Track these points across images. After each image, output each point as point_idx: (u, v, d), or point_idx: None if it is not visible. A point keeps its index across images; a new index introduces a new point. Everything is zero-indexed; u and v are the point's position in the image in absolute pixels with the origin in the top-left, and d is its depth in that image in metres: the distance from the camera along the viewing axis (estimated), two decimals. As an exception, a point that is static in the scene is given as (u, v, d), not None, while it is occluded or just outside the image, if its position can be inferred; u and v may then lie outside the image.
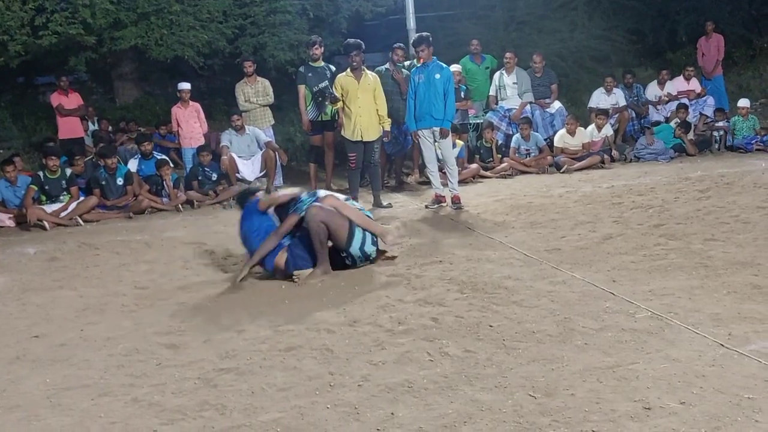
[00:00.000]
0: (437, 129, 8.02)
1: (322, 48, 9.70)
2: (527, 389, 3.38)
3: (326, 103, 8.62)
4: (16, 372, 4.20)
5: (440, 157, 8.31)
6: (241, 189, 6.26)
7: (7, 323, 5.17)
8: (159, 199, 9.18)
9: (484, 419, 3.12)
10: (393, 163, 10.02)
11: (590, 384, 3.38)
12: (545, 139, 10.65)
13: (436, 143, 8.13)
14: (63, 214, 8.63)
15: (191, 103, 10.29)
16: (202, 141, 10.00)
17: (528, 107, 10.96)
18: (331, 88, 9.41)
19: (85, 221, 8.60)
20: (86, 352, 4.42)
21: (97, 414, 3.55)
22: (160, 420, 3.43)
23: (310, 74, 9.46)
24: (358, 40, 8.26)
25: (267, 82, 10.44)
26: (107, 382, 3.95)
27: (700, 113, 11.70)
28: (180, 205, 9.05)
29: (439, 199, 8.15)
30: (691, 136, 10.93)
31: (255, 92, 10.24)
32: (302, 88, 9.44)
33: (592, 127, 10.70)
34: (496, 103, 11.00)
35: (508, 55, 10.95)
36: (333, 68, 9.68)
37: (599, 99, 11.67)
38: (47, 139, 10.46)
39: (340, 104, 8.19)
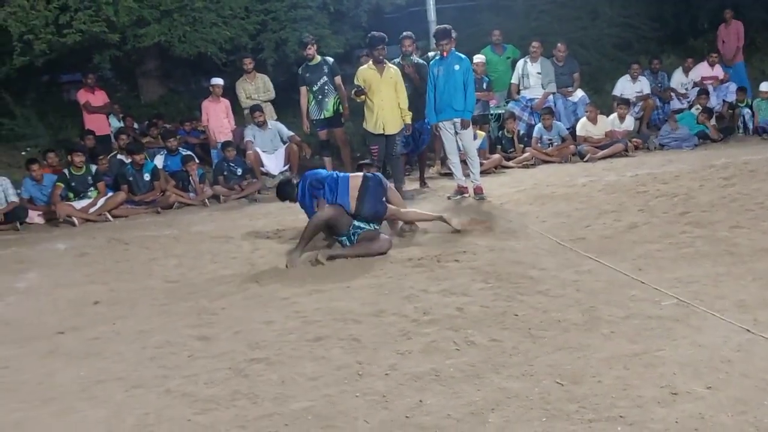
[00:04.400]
0: (458, 120, 8.04)
1: (315, 46, 9.80)
2: (554, 377, 3.41)
3: (352, 97, 8.64)
4: (50, 365, 4.30)
5: (461, 148, 8.33)
6: (280, 180, 6.77)
7: (39, 318, 5.28)
8: (186, 195, 9.29)
9: (511, 406, 3.17)
10: (413, 164, 10.02)
11: (617, 371, 3.41)
12: (568, 128, 10.62)
13: (457, 135, 8.15)
14: (92, 210, 8.76)
15: (222, 99, 10.39)
16: (230, 136, 10.11)
17: (550, 96, 10.94)
18: (330, 81, 9.50)
19: (113, 217, 8.74)
20: (119, 346, 4.51)
21: (132, 405, 3.64)
22: (194, 410, 3.51)
23: (308, 74, 9.64)
24: (383, 34, 8.26)
25: (266, 78, 10.56)
26: (140, 374, 4.03)
27: (723, 100, 11.60)
28: (206, 200, 9.17)
29: (461, 191, 8.17)
30: (713, 122, 10.86)
31: (255, 89, 10.36)
32: (303, 90, 9.63)
33: (614, 115, 10.65)
34: (518, 93, 10.99)
35: (534, 44, 10.93)
36: (330, 60, 9.79)
37: (624, 86, 11.61)
38: (86, 132, 10.60)
39: (363, 97, 8.21)
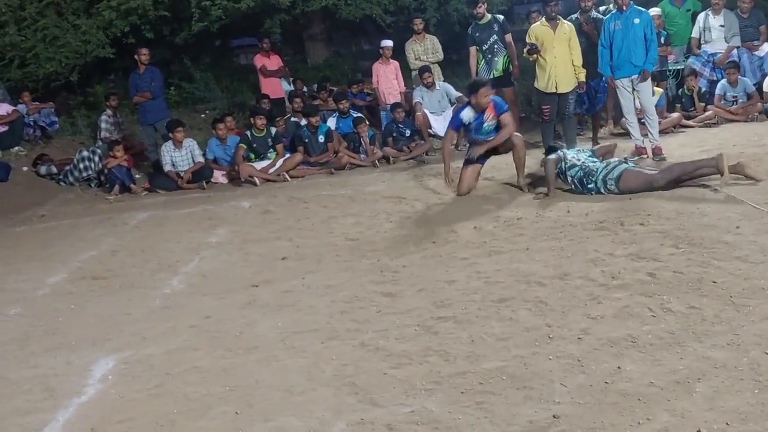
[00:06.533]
0: (636, 77, 7.69)
1: (485, 5, 9.57)
2: (763, 347, 3.25)
3: (525, 56, 8.46)
4: (249, 316, 4.59)
5: (638, 106, 7.97)
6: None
7: (233, 271, 5.63)
8: (357, 156, 9.51)
9: (719, 377, 3.04)
10: (584, 124, 9.71)
11: (835, 344, 3.19)
12: (754, 85, 9.88)
13: (634, 91, 7.81)
14: (271, 170, 9.17)
15: (391, 61, 10.50)
16: (399, 98, 10.21)
17: (734, 51, 10.20)
18: (500, 39, 9.30)
19: (291, 177, 9.10)
20: (310, 299, 4.73)
21: (329, 356, 3.82)
22: (389, 364, 3.63)
23: (477, 33, 9.47)
24: None
25: (435, 39, 10.46)
26: (333, 326, 4.22)
27: None
28: (377, 161, 9.34)
29: (639, 151, 7.83)
30: None
31: (424, 50, 10.30)
32: (473, 50, 9.49)
33: (807, 70, 9.79)
34: (699, 47, 10.33)
35: None
36: (500, 18, 9.59)
37: (817, 40, 10.61)
38: (261, 96, 11.03)
39: (536, 56, 8.01)
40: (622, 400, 2.98)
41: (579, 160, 6.57)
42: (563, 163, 6.61)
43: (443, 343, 3.78)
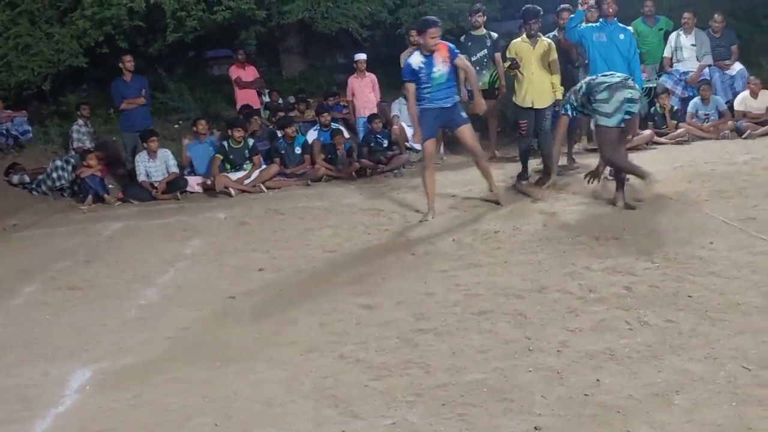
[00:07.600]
0: None
1: (485, 17, 9.62)
2: (739, 361, 3.30)
3: (506, 70, 8.53)
4: (226, 328, 4.56)
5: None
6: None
7: (208, 282, 5.59)
8: (334, 167, 9.50)
9: (697, 389, 3.09)
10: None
11: (808, 358, 3.26)
12: (726, 103, 10.06)
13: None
14: (246, 181, 9.12)
15: (367, 73, 10.52)
16: (375, 111, 10.23)
17: (706, 70, 10.39)
18: (490, 56, 9.36)
19: (267, 188, 9.07)
20: (288, 310, 4.71)
21: (309, 369, 3.81)
22: (369, 376, 3.63)
23: (470, 43, 9.47)
24: (537, 8, 8.07)
25: None
26: (312, 338, 4.21)
27: None
28: (354, 173, 9.33)
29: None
30: None
31: None
32: (462, 58, 9.47)
33: (777, 90, 9.97)
34: (671, 66, 10.51)
35: (686, 15, 10.39)
36: (494, 35, 9.62)
37: (787, 59, 10.87)
38: (243, 107, 10.98)
39: (516, 71, 8.09)
40: (602, 413, 3.01)
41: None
42: (573, 96, 6.74)
43: (423, 356, 3.79)
